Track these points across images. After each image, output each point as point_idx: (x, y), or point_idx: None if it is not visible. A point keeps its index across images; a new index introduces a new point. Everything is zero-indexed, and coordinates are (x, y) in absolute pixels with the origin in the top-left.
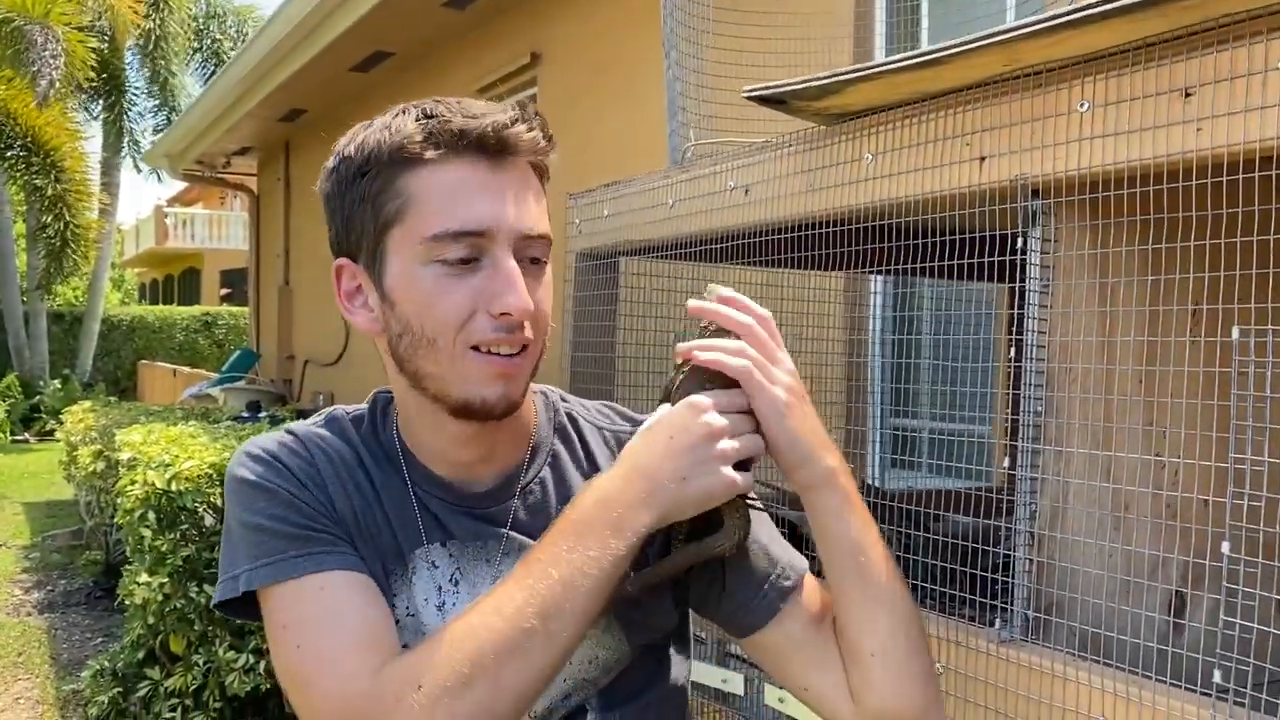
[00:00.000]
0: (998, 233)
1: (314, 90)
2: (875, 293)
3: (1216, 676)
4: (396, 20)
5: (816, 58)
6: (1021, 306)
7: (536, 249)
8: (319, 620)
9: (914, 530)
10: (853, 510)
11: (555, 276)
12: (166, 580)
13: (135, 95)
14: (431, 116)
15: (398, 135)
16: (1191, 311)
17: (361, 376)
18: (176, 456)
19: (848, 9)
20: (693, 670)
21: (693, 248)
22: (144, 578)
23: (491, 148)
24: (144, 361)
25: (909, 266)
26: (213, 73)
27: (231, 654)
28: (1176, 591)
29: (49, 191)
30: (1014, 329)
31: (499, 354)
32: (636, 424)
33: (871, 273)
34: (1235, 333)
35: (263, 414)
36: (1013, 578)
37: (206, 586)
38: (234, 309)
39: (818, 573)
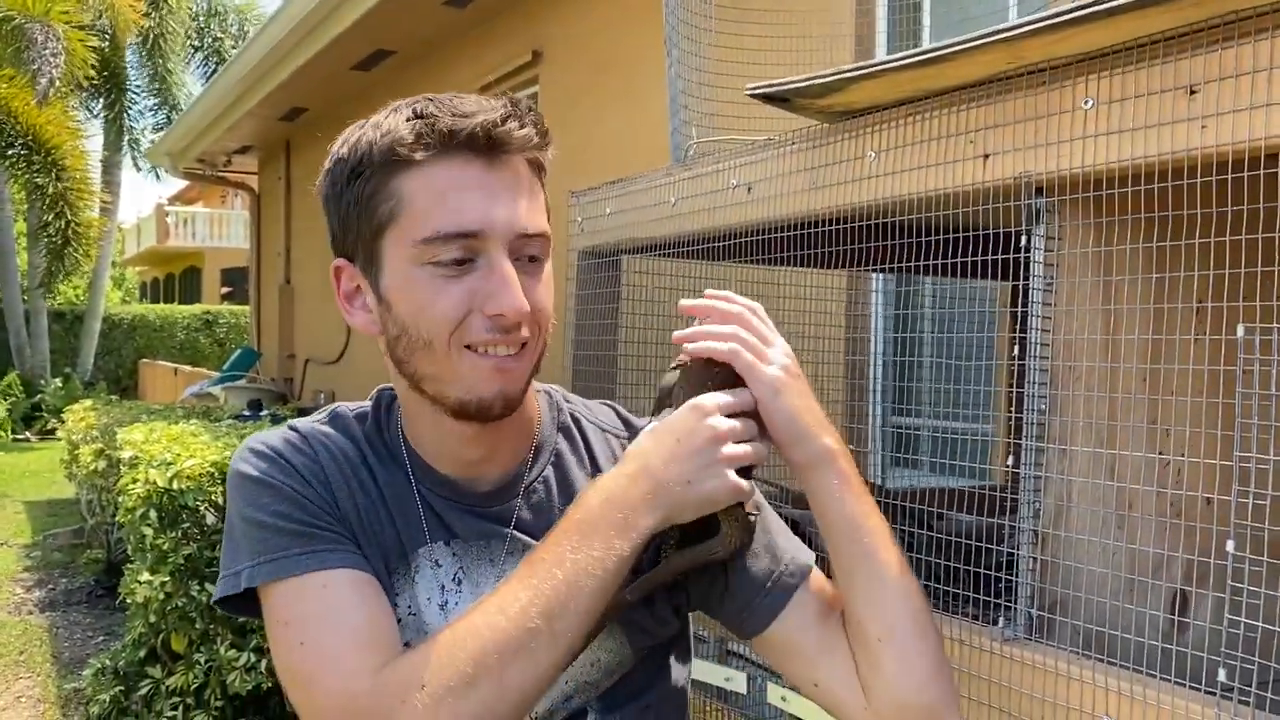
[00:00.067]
0: (1001, 230)
1: (315, 89)
2: (876, 291)
3: (1221, 675)
4: (397, 18)
5: (818, 56)
6: (1025, 304)
7: (534, 247)
8: (321, 618)
9: (917, 529)
10: (852, 490)
11: (556, 274)
12: (168, 579)
13: (135, 94)
14: (422, 116)
15: (388, 136)
16: (1196, 309)
17: (362, 375)
18: (178, 455)
19: (849, 7)
20: (695, 669)
21: (695, 246)
22: (145, 576)
23: (483, 146)
24: (145, 360)
25: (912, 264)
26: (214, 71)
27: (233, 652)
28: (1180, 590)
29: (50, 190)
30: (1017, 327)
31: (495, 354)
32: (634, 429)
33: (874, 271)
34: (1240, 331)
35: (264, 412)
36: (1016, 576)
37: (208, 585)
38: (235, 308)
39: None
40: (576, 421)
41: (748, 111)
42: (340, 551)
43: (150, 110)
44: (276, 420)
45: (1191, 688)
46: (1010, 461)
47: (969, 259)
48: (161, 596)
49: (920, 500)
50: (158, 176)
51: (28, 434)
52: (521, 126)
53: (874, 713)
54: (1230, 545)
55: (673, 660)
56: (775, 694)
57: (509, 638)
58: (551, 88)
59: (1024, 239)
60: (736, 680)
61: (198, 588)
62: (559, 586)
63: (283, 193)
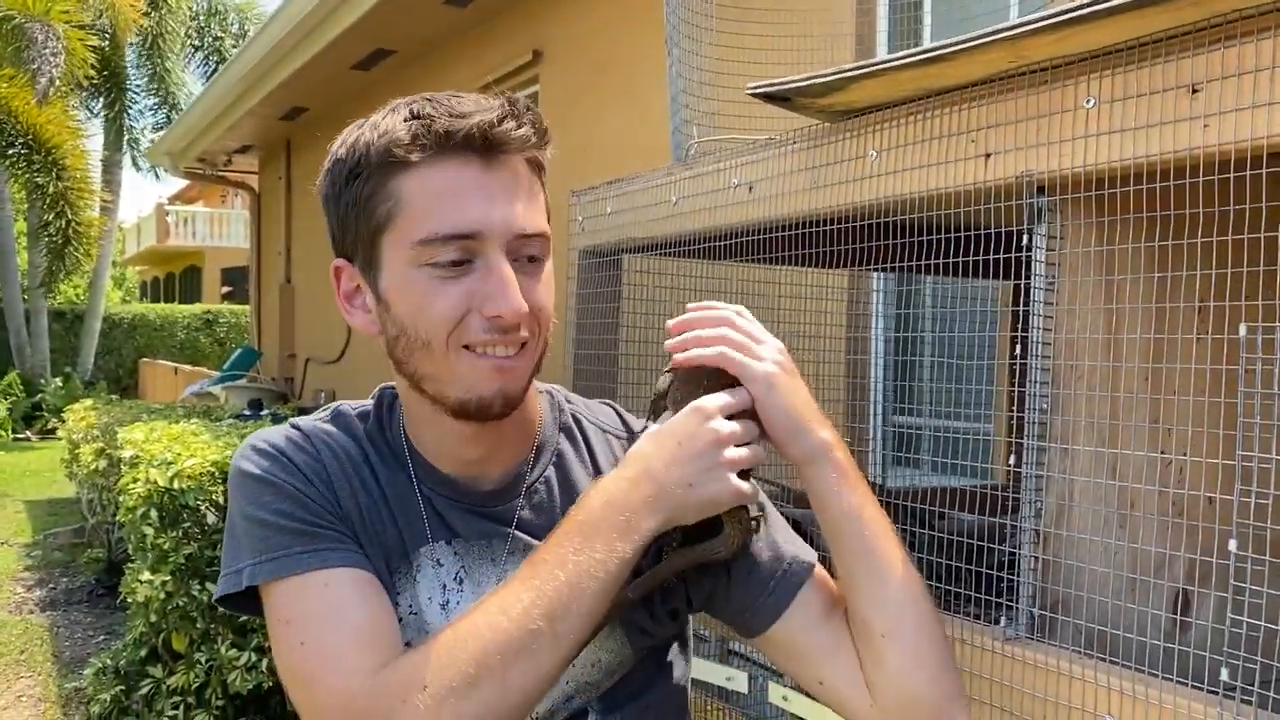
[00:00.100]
0: (1003, 230)
1: (315, 88)
2: (877, 290)
3: (1224, 675)
4: (397, 18)
5: (819, 55)
6: (1026, 304)
7: (533, 247)
8: (323, 617)
9: (918, 528)
10: (850, 484)
11: (557, 273)
12: (169, 578)
13: (135, 93)
14: (419, 117)
15: (385, 138)
16: (1198, 309)
17: (363, 374)
18: (179, 454)
19: (849, 6)
20: (697, 669)
21: (696, 245)
22: (146, 575)
23: (480, 147)
24: (145, 360)
25: (914, 264)
26: (214, 70)
27: (234, 652)
28: (1182, 589)
29: (50, 189)
30: (1019, 326)
31: (493, 354)
32: (633, 430)
33: (876, 270)
34: (1243, 330)
35: (264, 412)
36: (1018, 575)
37: (209, 584)
38: (235, 307)
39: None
40: (578, 422)
41: (749, 111)
42: (342, 550)
43: (150, 110)
44: (277, 419)
45: (1194, 687)
46: (1012, 461)
47: (971, 258)
48: (162, 596)
49: (921, 500)
50: (157, 176)
51: (28, 433)
52: (519, 126)
53: (879, 709)
54: (1233, 544)
55: (673, 660)
56: (777, 693)
57: (511, 638)
58: (552, 87)
59: (1026, 238)
60: (738, 680)
61: (199, 587)
62: (561, 588)
63: (283, 192)
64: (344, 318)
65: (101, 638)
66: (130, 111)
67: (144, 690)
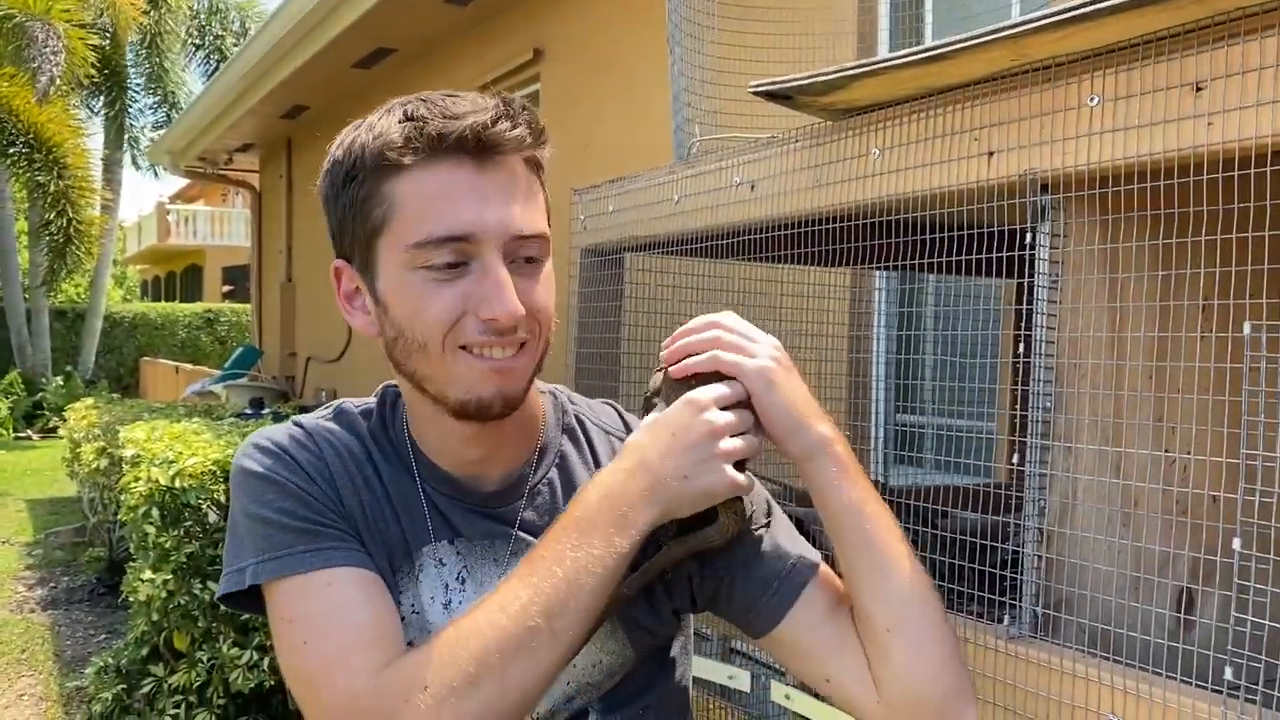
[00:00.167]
0: (1006, 228)
1: (316, 87)
2: (879, 289)
3: (1228, 673)
4: (398, 17)
5: (820, 53)
6: (1030, 302)
7: (530, 248)
8: (326, 616)
9: (921, 527)
10: (851, 478)
11: (559, 272)
12: (170, 577)
13: (135, 93)
14: (412, 119)
15: (378, 140)
16: (1202, 307)
17: (364, 373)
18: (180, 453)
19: (851, 5)
20: (699, 668)
21: (698, 243)
22: (148, 574)
23: (474, 149)
24: (146, 358)
25: (917, 262)
26: (215, 69)
27: (235, 651)
28: (1186, 588)
29: (52, 188)
30: (1022, 324)
31: (491, 356)
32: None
33: (878, 269)
34: (1247, 328)
35: (265, 410)
36: (1021, 574)
37: (210, 583)
38: (236, 306)
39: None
40: (580, 423)
41: (751, 109)
42: (345, 549)
43: (149, 109)
44: (278, 418)
45: (1198, 686)
46: (1015, 459)
47: (974, 257)
48: (164, 595)
49: (924, 498)
50: (155, 174)
51: (29, 432)
52: (514, 127)
53: (886, 706)
54: (1237, 543)
55: (674, 660)
56: (779, 692)
57: (510, 636)
58: (553, 86)
59: (1029, 236)
60: (740, 679)
61: (200, 586)
62: (559, 585)
63: (284, 190)
64: (344, 318)
65: (103, 637)
66: (130, 110)
67: (145, 689)
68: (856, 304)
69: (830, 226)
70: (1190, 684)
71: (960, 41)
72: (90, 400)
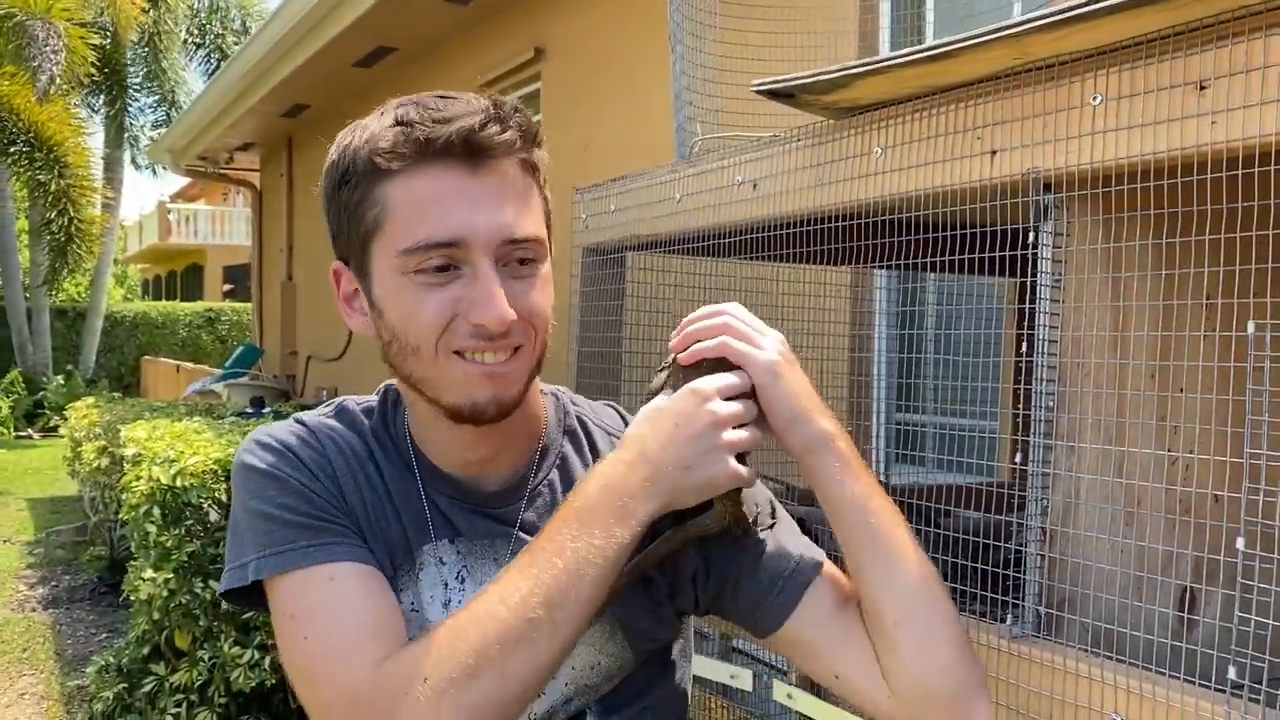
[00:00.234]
0: (1009, 227)
1: (317, 85)
2: (881, 287)
3: (1231, 673)
4: (399, 15)
5: (822, 52)
6: (1032, 301)
7: (524, 251)
8: (328, 611)
9: (923, 526)
10: (853, 472)
11: (560, 271)
12: (171, 576)
13: (135, 91)
14: (401, 123)
15: (369, 145)
16: (1206, 306)
17: (365, 372)
18: (181, 452)
19: (852, 3)
20: (701, 667)
21: (700, 242)
22: (149, 573)
23: (464, 152)
24: (147, 357)
25: (919, 261)
26: (216, 67)
27: (237, 649)
28: (1189, 587)
29: (52, 187)
30: (1025, 323)
31: (483, 360)
32: None
33: (880, 267)
34: (1251, 327)
35: (266, 409)
36: (1024, 573)
37: (211, 582)
38: (237, 305)
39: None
40: (583, 424)
41: (752, 108)
42: (347, 545)
43: (149, 108)
44: (279, 417)
45: (1201, 685)
46: (1018, 458)
47: (977, 255)
48: (165, 594)
49: (926, 497)
50: (154, 173)
51: (30, 431)
52: (503, 130)
53: (898, 700)
54: (1240, 542)
55: (674, 662)
56: (781, 691)
57: (510, 628)
58: (553, 85)
59: (1032, 235)
60: (742, 678)
61: (201, 585)
62: (559, 576)
63: (285, 189)
64: (344, 320)
65: (104, 635)
66: (130, 109)
67: (147, 688)
68: (858, 303)
69: (832, 225)
70: (1193, 683)
71: (963, 40)
72: (91, 399)
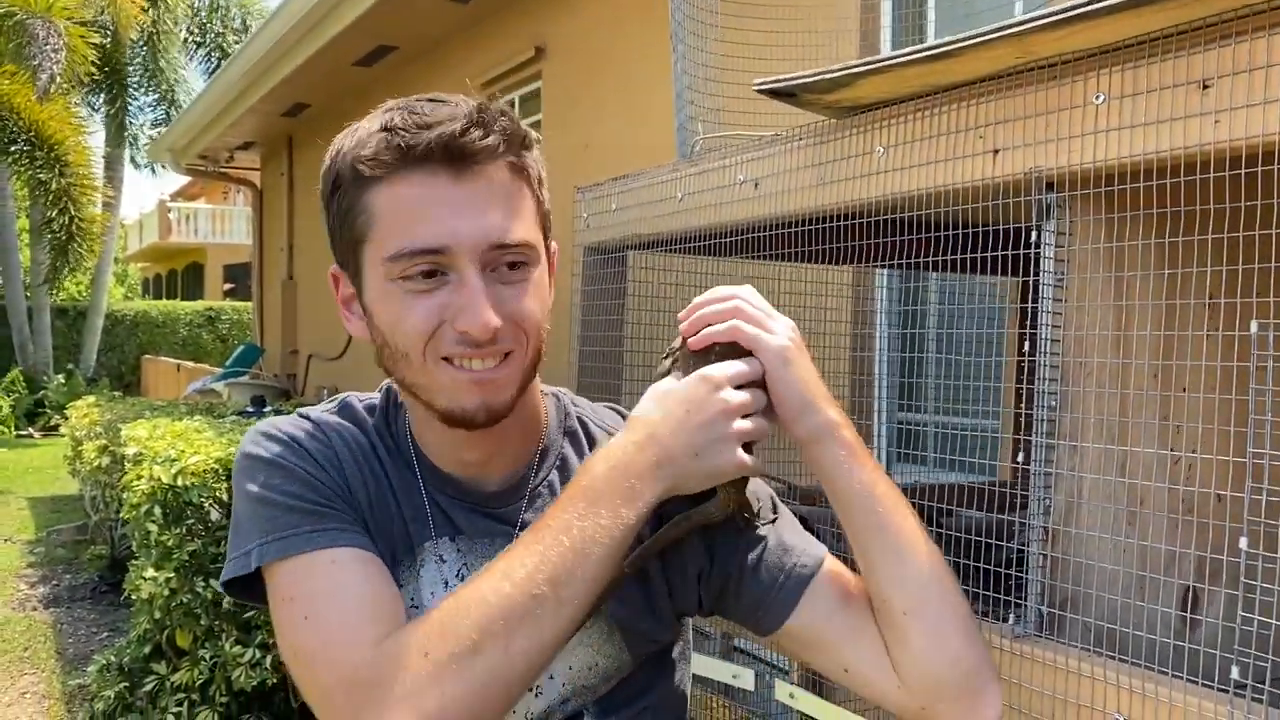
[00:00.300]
0: (1011, 226)
1: (317, 85)
2: (882, 286)
3: (1234, 673)
4: (399, 14)
5: (823, 51)
6: (1035, 300)
7: (513, 255)
8: (329, 595)
9: (925, 525)
10: (859, 461)
11: (561, 270)
12: (173, 575)
13: (134, 90)
14: (387, 129)
15: (355, 151)
16: (1208, 305)
17: (366, 371)
18: (182, 451)
19: (853, 2)
20: (703, 666)
21: (701, 241)
22: (150, 573)
23: (446, 159)
24: (147, 356)
25: (921, 260)
26: (217, 66)
27: (238, 649)
28: (1191, 587)
29: (53, 186)
30: (1027, 323)
31: (471, 367)
32: None
33: (882, 267)
34: (1254, 327)
35: (267, 409)
36: (1026, 573)
37: (213, 581)
38: (237, 304)
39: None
40: (583, 425)
41: (754, 107)
42: (350, 532)
43: (149, 106)
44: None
45: (1204, 685)
46: (1020, 458)
47: (979, 255)
48: (166, 593)
49: (927, 496)
50: (154, 171)
51: (31, 430)
52: (486, 135)
53: (908, 690)
54: (1243, 542)
55: (673, 663)
56: (783, 691)
57: (514, 604)
58: (554, 84)
59: (1034, 234)
60: (744, 677)
61: (203, 584)
62: (566, 554)
63: (285, 188)
64: (344, 323)
65: (105, 635)
66: (130, 108)
67: (148, 687)
68: (860, 302)
69: (834, 224)
70: (1196, 683)
71: (965, 39)
72: (92, 398)
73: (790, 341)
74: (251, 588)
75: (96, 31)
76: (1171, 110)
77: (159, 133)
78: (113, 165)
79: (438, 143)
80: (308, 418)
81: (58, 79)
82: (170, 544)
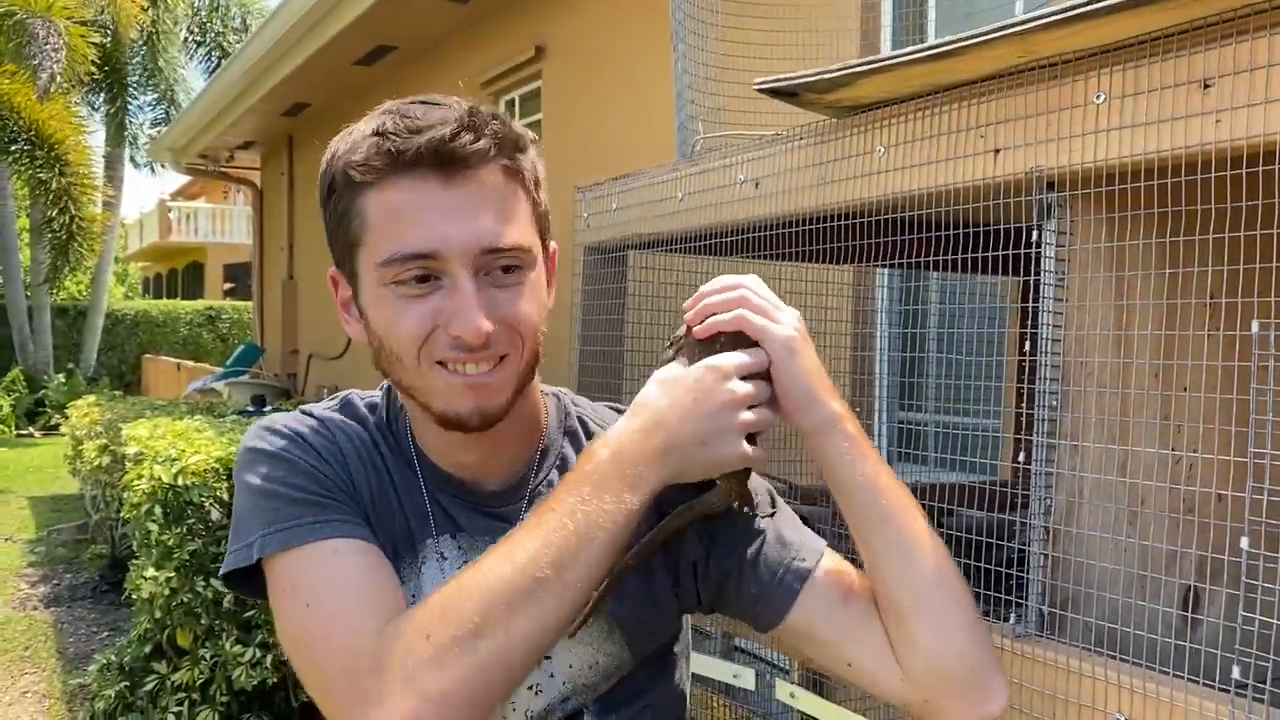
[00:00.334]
0: (1012, 226)
1: (317, 84)
2: (883, 286)
3: (1235, 672)
4: (399, 14)
5: (824, 50)
6: (1036, 300)
7: (507, 259)
8: (331, 584)
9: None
10: (863, 453)
11: (562, 270)
12: (173, 574)
13: (134, 90)
14: (379, 134)
15: (346, 157)
16: (1209, 305)
17: (366, 371)
18: (183, 451)
19: (854, 1)
20: (703, 666)
21: (702, 241)
22: (151, 572)
23: (436, 163)
24: (148, 356)
25: (921, 260)
26: (217, 66)
27: (238, 648)
28: (1192, 586)
29: (53, 185)
30: (1028, 323)
31: (465, 371)
32: None
33: (883, 266)
34: (1255, 326)
35: (267, 408)
36: (1027, 572)
37: (213, 581)
38: (238, 303)
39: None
40: (584, 425)
41: (755, 106)
42: (352, 523)
43: (149, 106)
44: None
45: (1205, 685)
46: (1020, 457)
47: (980, 254)
48: (167, 592)
49: (928, 496)
50: (153, 170)
51: (31, 429)
52: (476, 139)
53: (911, 684)
54: (1244, 542)
55: (673, 662)
56: (784, 690)
57: (516, 587)
58: (554, 84)
59: (1035, 234)
60: (745, 677)
61: (203, 583)
62: (569, 537)
63: (285, 188)
64: (342, 325)
65: (106, 634)
66: (129, 108)
67: (148, 686)
68: (860, 301)
69: (835, 224)
70: (1197, 683)
71: (967, 38)
72: (92, 397)
73: (796, 332)
74: (251, 580)
75: (96, 31)
76: (1173, 110)
77: (159, 132)
78: (113, 164)
79: (427, 147)
80: (311, 414)
81: (58, 78)
82: (171, 543)
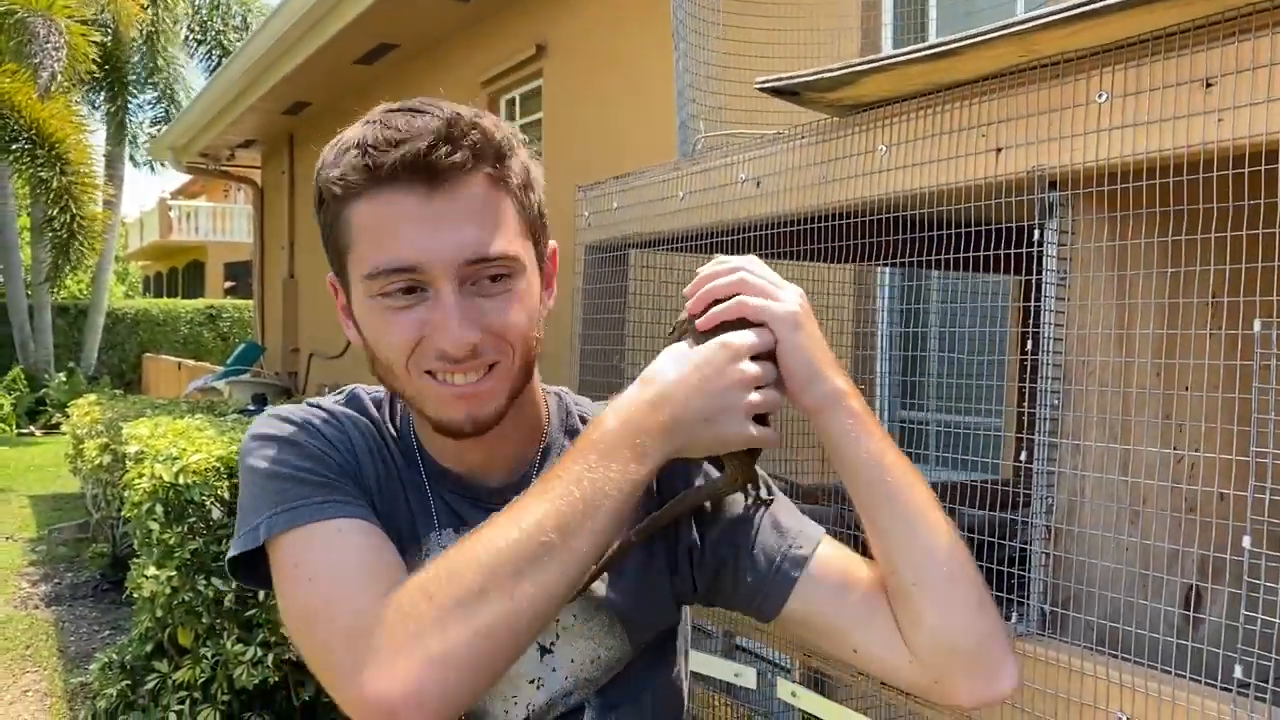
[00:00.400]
0: (1013, 225)
1: (318, 83)
2: (884, 285)
3: (1238, 672)
4: (400, 12)
5: (825, 49)
6: (1037, 299)
7: (493, 268)
8: (334, 562)
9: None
10: (867, 430)
11: (563, 269)
12: (174, 573)
13: (135, 89)
14: (359, 146)
15: (328, 170)
16: (1211, 304)
17: (367, 370)
18: (184, 450)
19: (855, 0)
20: (705, 665)
21: (703, 240)
22: (152, 571)
23: (412, 176)
24: (148, 355)
25: (923, 259)
26: (217, 64)
27: (239, 647)
28: (1194, 586)
29: (54, 184)
30: (1029, 322)
31: (453, 382)
32: None
33: (884, 265)
34: (1257, 326)
35: (268, 406)
36: (1028, 571)
37: (214, 579)
38: (238, 302)
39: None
40: (584, 422)
41: (756, 105)
42: (357, 505)
43: (149, 104)
44: None
45: (1207, 684)
46: (1022, 456)
47: (981, 253)
48: (168, 591)
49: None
50: (153, 169)
51: (32, 428)
52: (454, 151)
53: (920, 664)
54: (1247, 541)
55: (671, 655)
56: (785, 689)
57: (521, 549)
58: (555, 82)
59: (1036, 233)
60: (746, 676)
61: (204, 582)
62: (575, 504)
63: (286, 186)
64: (344, 330)
65: (107, 633)
66: (129, 107)
67: (150, 685)
68: (861, 300)
69: (836, 223)
70: (1199, 682)
71: (968, 37)
72: (93, 396)
73: (799, 307)
74: (255, 570)
75: (97, 29)
76: (1175, 109)
77: (159, 131)
78: (113, 163)
79: (403, 162)
80: (320, 406)
81: (58, 77)
82: (172, 542)
